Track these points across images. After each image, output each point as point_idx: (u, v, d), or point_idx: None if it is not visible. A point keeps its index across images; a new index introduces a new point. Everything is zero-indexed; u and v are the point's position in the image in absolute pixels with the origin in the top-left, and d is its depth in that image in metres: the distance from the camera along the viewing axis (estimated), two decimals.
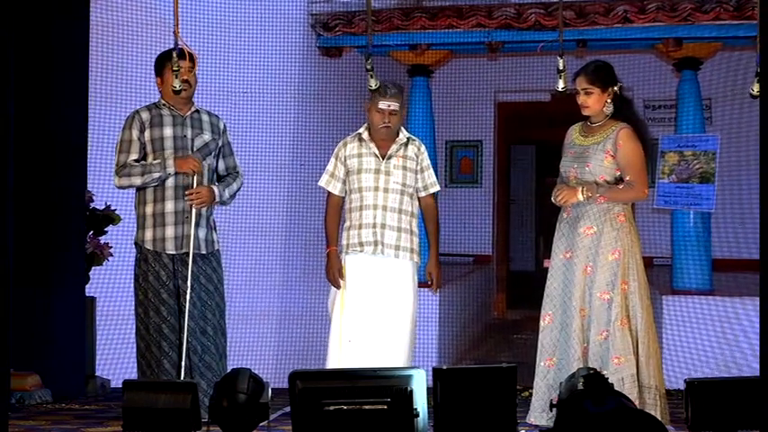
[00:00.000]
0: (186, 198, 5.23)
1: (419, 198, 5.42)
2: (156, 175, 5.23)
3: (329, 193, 5.44)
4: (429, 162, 5.42)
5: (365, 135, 5.37)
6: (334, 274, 5.32)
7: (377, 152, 5.33)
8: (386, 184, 5.29)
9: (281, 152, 8.26)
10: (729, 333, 7.36)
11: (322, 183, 5.46)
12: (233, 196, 5.48)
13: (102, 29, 7.40)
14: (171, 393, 4.06)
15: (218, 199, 5.34)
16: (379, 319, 5.22)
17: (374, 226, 5.27)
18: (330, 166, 5.44)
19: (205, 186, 5.28)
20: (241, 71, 8.07)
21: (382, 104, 5.28)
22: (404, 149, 5.35)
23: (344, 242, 5.36)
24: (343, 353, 5.24)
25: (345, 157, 5.38)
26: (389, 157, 5.32)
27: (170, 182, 5.25)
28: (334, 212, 5.43)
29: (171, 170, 5.22)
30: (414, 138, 5.43)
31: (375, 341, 5.20)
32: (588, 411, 3.54)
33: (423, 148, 5.41)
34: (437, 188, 5.44)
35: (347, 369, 4.96)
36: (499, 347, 9.44)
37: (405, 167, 5.32)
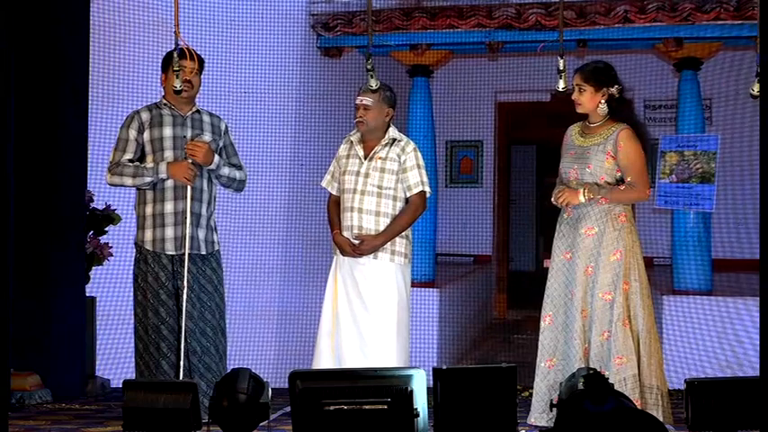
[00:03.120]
0: (185, 148, 5.21)
1: (406, 199, 5.33)
2: (148, 179, 5.22)
3: (330, 193, 5.47)
4: (417, 162, 5.29)
5: (354, 137, 5.38)
6: (350, 252, 5.23)
7: (361, 154, 5.32)
8: (363, 187, 5.26)
9: (282, 152, 8.27)
10: (730, 333, 7.37)
11: (323, 183, 5.50)
12: (231, 179, 5.40)
13: (102, 29, 7.40)
14: (171, 393, 4.06)
15: (213, 165, 5.28)
16: (362, 321, 5.19)
17: (352, 228, 5.25)
18: (331, 167, 5.48)
19: (207, 145, 5.25)
20: (241, 71, 8.07)
21: (357, 99, 5.30)
22: (387, 150, 5.29)
23: (333, 244, 5.38)
24: (328, 351, 5.24)
25: (338, 158, 5.42)
26: (370, 159, 5.29)
27: (169, 182, 5.24)
28: (332, 207, 5.42)
29: (163, 175, 5.20)
30: (401, 138, 5.35)
31: (361, 344, 5.17)
32: (588, 411, 3.54)
33: (409, 148, 5.30)
34: (421, 188, 5.28)
35: (347, 369, 4.96)
36: (499, 348, 9.44)
37: (383, 169, 5.26)
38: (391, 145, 5.31)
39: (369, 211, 5.25)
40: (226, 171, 5.36)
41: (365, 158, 5.30)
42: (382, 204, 5.26)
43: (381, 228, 5.23)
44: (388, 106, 5.33)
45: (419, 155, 5.35)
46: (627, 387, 4.72)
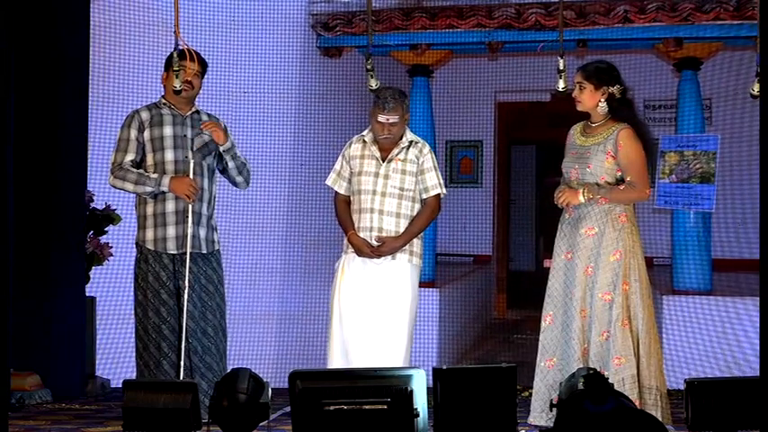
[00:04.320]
0: (202, 126, 5.27)
1: (422, 200, 5.36)
2: (149, 189, 5.22)
3: (336, 192, 5.44)
4: (433, 164, 5.33)
5: (368, 137, 5.35)
6: (368, 253, 5.21)
7: (378, 155, 5.30)
8: (384, 188, 5.25)
9: (282, 152, 8.26)
10: (729, 333, 7.37)
11: (329, 182, 5.45)
12: (243, 164, 5.43)
13: (102, 29, 7.40)
14: (171, 393, 4.06)
15: (228, 144, 5.33)
16: (376, 320, 5.20)
17: (371, 230, 5.24)
18: (337, 165, 5.43)
19: (221, 123, 5.33)
20: (241, 71, 8.07)
21: (381, 118, 5.23)
22: (405, 152, 5.29)
23: (345, 242, 5.35)
24: (343, 353, 5.23)
25: (350, 158, 5.37)
26: (390, 161, 5.28)
27: None
28: (343, 206, 5.38)
29: (165, 188, 5.20)
30: (418, 140, 5.36)
31: (372, 342, 5.18)
32: (588, 411, 3.54)
33: (426, 150, 5.32)
34: (439, 190, 5.32)
35: (347, 369, 4.96)
36: (499, 347, 9.45)
37: (404, 171, 5.27)
38: (409, 147, 5.31)
39: (390, 212, 5.24)
40: (239, 153, 5.41)
41: (383, 160, 5.29)
42: (402, 206, 5.27)
43: (401, 229, 5.24)
44: (407, 113, 5.34)
45: (434, 156, 5.40)
46: (625, 387, 4.72)
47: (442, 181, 5.37)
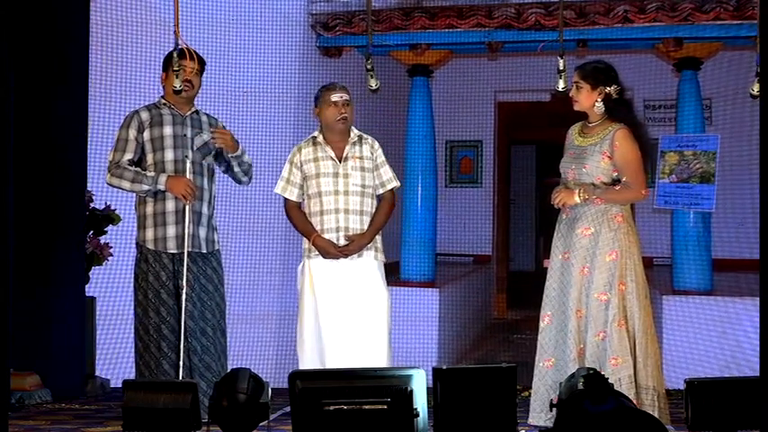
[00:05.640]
0: (212, 135, 5.28)
1: (378, 195, 5.37)
2: (146, 187, 5.21)
3: (286, 199, 5.37)
4: (385, 158, 5.38)
5: (320, 138, 5.32)
6: (335, 254, 5.21)
7: (333, 155, 5.28)
8: (345, 187, 5.25)
9: (281, 152, 8.23)
10: (729, 333, 7.37)
11: (278, 190, 5.38)
12: (250, 167, 5.48)
13: (102, 28, 7.40)
14: (171, 393, 4.06)
15: (239, 152, 5.36)
16: (356, 321, 5.19)
17: (337, 230, 5.23)
18: (285, 173, 5.36)
19: (230, 133, 5.34)
20: (241, 71, 8.07)
21: (335, 97, 5.25)
22: (359, 149, 5.30)
23: (306, 246, 5.31)
24: (319, 356, 5.22)
25: (301, 162, 5.31)
26: (346, 159, 5.28)
27: None
28: (296, 212, 5.34)
29: (161, 187, 5.20)
30: (366, 136, 5.38)
31: (354, 344, 5.16)
32: (588, 411, 3.54)
33: (376, 144, 5.36)
34: (395, 183, 5.38)
35: (347, 369, 4.95)
36: (499, 347, 9.45)
37: (362, 168, 5.28)
38: (360, 143, 5.33)
39: (354, 210, 5.25)
40: (246, 157, 5.45)
41: (339, 160, 5.28)
42: (365, 203, 5.29)
43: (365, 227, 5.27)
44: (353, 103, 5.38)
45: (382, 150, 5.45)
46: (622, 387, 4.71)
47: (394, 174, 5.42)
